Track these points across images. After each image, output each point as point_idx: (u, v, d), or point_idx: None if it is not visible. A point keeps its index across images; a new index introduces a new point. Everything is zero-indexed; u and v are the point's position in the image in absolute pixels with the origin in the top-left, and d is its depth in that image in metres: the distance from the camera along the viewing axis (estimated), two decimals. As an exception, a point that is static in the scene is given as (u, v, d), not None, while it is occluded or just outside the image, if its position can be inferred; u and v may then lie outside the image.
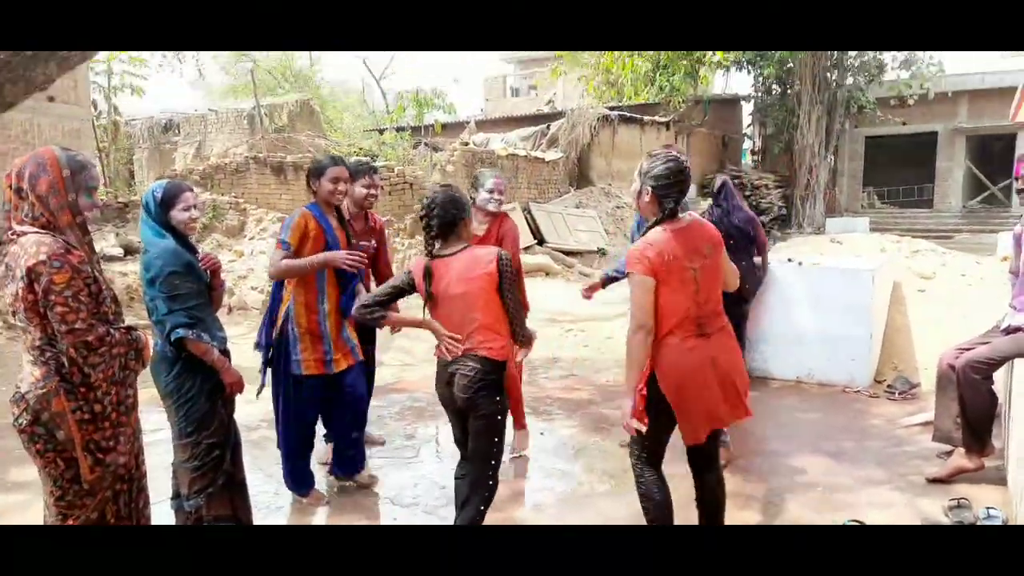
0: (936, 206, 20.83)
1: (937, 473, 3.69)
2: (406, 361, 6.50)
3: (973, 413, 3.55)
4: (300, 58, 30.32)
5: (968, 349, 3.66)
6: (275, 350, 3.44)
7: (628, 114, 18.43)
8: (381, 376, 5.96)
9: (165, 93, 43.08)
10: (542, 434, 4.58)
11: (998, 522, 3.04)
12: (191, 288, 2.59)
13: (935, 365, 3.88)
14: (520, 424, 4.25)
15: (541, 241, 13.96)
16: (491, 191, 3.83)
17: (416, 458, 4.23)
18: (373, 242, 3.93)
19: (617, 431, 4.50)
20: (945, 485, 3.59)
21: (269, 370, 3.49)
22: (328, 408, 3.57)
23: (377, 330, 4.22)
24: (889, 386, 5.36)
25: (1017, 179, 3.52)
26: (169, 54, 17.97)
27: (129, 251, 9.90)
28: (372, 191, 3.81)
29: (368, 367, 3.98)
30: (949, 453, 3.82)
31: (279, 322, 3.40)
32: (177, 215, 2.65)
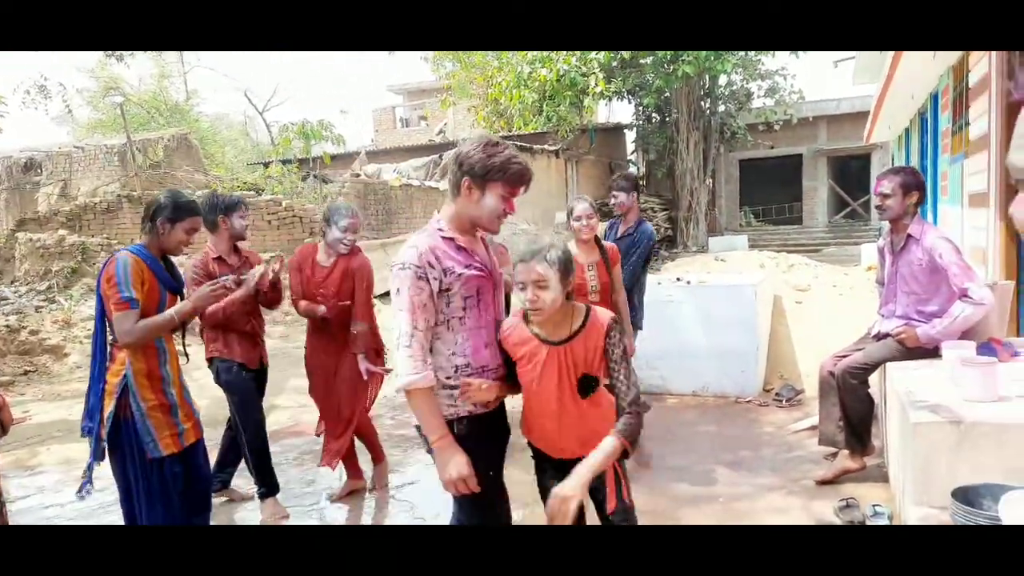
0: (805, 222, 22.40)
1: (824, 475, 3.88)
2: (302, 402, 6.20)
3: (853, 416, 3.76)
4: (176, 91, 29.03)
5: (844, 356, 3.90)
6: (112, 436, 2.71)
7: (519, 143, 18.77)
8: (276, 419, 5.68)
9: (25, 130, 39.89)
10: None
11: (884, 518, 3.22)
12: None
13: (816, 372, 4.10)
14: (378, 458, 4.20)
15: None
16: (345, 230, 3.70)
17: (318, 505, 4.02)
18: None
19: (524, 456, 4.45)
20: (834, 486, 3.77)
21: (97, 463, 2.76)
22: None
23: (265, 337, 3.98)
24: (777, 394, 5.64)
25: (876, 196, 3.80)
26: (33, 90, 16.55)
27: (-15, 301, 9.03)
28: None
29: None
30: (834, 455, 4.04)
31: (112, 400, 2.70)
32: None
